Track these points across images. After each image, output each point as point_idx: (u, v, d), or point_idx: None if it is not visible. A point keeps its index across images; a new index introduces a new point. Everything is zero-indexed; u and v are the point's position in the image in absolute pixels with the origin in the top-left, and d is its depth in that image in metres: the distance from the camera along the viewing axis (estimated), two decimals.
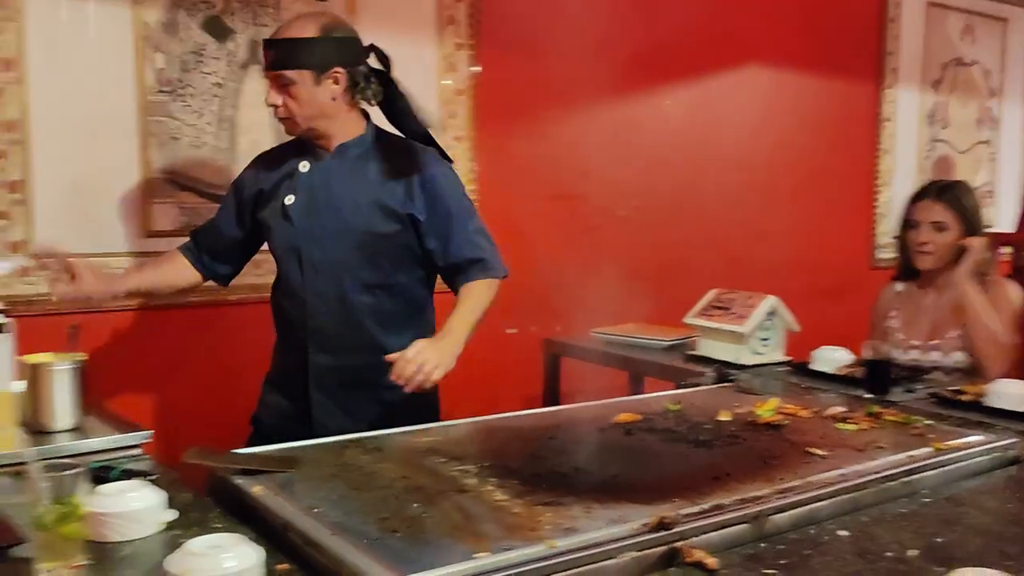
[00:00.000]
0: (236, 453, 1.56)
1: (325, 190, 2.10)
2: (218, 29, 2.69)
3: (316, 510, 1.30)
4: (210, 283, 2.64)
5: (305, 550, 1.21)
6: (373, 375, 2.00)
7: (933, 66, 4.47)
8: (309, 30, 2.01)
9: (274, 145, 2.42)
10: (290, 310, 2.14)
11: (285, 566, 1.18)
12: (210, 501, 1.44)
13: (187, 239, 2.31)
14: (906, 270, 2.81)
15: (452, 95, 3.15)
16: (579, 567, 1.17)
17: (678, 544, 1.24)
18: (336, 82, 2.04)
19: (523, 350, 3.27)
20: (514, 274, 3.30)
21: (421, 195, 2.08)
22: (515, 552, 1.15)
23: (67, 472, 1.15)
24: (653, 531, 1.24)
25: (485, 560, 1.13)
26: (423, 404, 2.08)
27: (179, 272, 2.26)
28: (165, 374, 2.63)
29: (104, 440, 1.68)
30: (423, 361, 1.88)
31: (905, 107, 4.39)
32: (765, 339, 2.55)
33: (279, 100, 2.03)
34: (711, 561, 1.21)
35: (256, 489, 1.39)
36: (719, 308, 2.63)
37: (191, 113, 2.66)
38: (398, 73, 3.00)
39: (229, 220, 2.25)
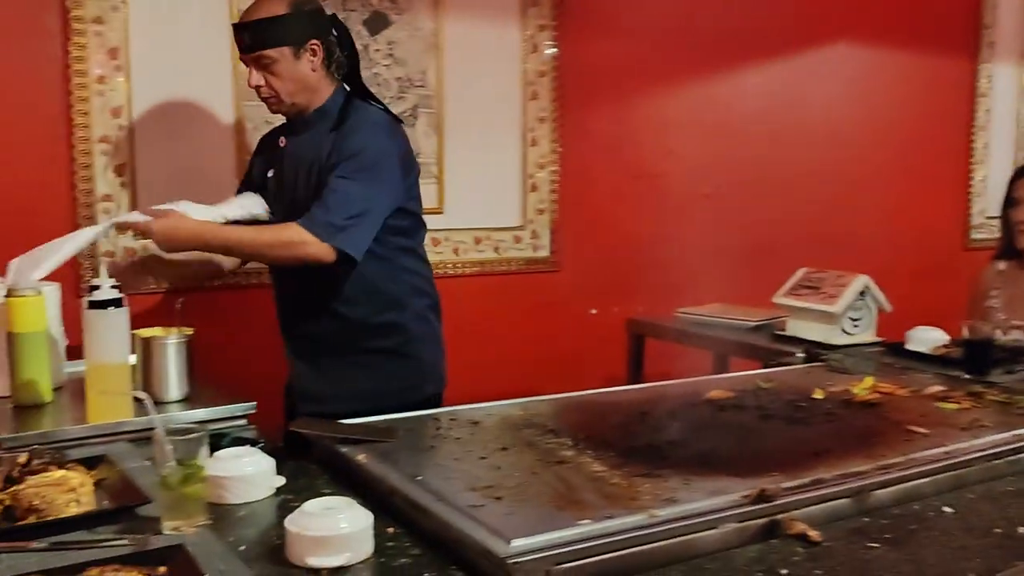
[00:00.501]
0: (341, 423, 1.61)
1: (292, 162, 2.14)
2: None
3: (419, 477, 1.34)
4: None
5: (411, 514, 1.25)
6: (341, 341, 2.06)
7: None
8: (280, 7, 2.02)
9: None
10: (275, 282, 2.22)
11: (393, 529, 1.22)
12: (316, 468, 1.50)
13: None
14: (1008, 249, 2.73)
15: (534, 76, 3.16)
16: (680, 536, 1.18)
17: (780, 516, 1.24)
18: (314, 54, 2.08)
19: (606, 331, 3.28)
20: (596, 254, 3.35)
21: (330, 156, 2.05)
22: (617, 520, 1.17)
23: (191, 436, 1.21)
24: (754, 503, 1.24)
25: (589, 527, 1.15)
26: (413, 365, 2.13)
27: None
28: (265, 348, 2.71)
29: (212, 410, 1.75)
30: (151, 227, 1.93)
31: (1002, 82, 4.22)
32: (856, 319, 2.51)
33: (261, 80, 2.06)
34: (814, 534, 1.21)
35: (361, 457, 1.43)
36: (808, 287, 2.59)
37: None
38: (480, 56, 3.05)
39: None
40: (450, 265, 3.02)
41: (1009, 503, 1.36)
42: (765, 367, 2.40)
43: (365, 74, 2.84)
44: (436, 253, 3.00)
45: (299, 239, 1.92)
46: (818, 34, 3.74)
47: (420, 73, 2.94)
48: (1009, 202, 2.69)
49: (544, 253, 3.23)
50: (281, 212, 2.12)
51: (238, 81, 2.65)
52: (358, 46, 2.81)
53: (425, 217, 2.87)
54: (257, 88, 2.08)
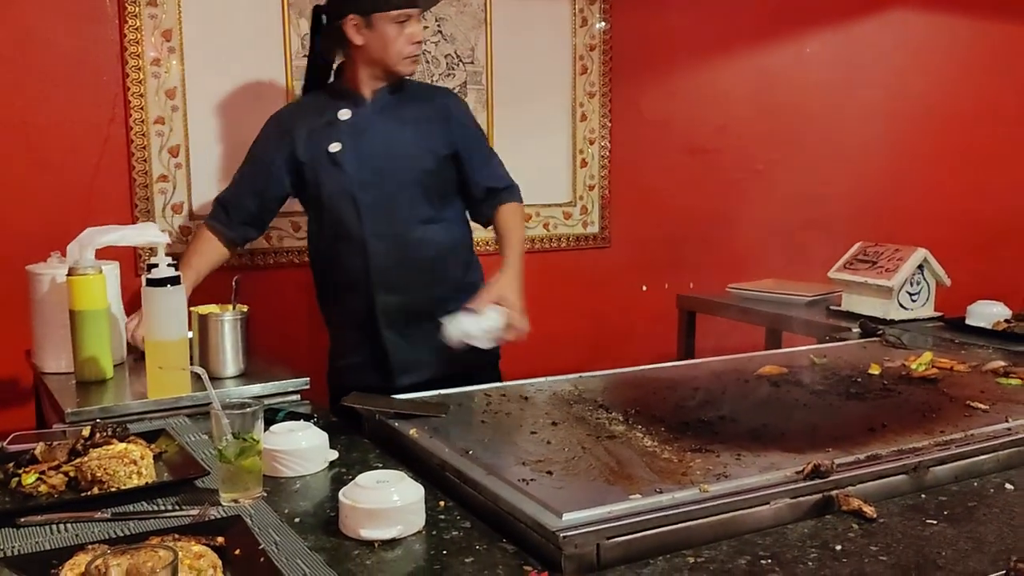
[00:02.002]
0: (392, 398, 1.63)
1: (371, 134, 2.14)
2: None
3: (470, 452, 1.35)
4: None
5: (463, 488, 1.26)
6: (435, 308, 2.03)
7: None
8: None
9: None
10: (348, 255, 2.14)
11: (444, 503, 1.23)
12: (368, 443, 1.52)
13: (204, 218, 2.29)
14: None
15: (584, 50, 3.13)
16: (732, 511, 1.17)
17: (834, 492, 1.22)
18: None
19: (657, 307, 3.26)
20: (647, 230, 3.32)
21: (455, 131, 2.19)
22: (668, 495, 1.17)
23: (247, 410, 1.24)
24: (807, 478, 1.23)
25: (641, 501, 1.15)
26: None
27: (218, 252, 2.20)
28: (318, 325, 2.75)
29: (267, 386, 1.78)
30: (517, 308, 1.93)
31: None
32: (914, 293, 2.46)
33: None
34: (869, 510, 1.19)
35: (413, 432, 1.45)
36: (865, 262, 2.54)
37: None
38: (529, 31, 3.02)
39: (272, 180, 2.18)
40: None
41: None
42: (820, 343, 2.36)
43: None
44: (487, 231, 3.00)
45: (522, 208, 2.28)
46: (875, 2, 3.64)
47: (469, 49, 2.94)
48: None
49: (594, 229, 3.22)
50: (375, 180, 2.12)
51: (290, 61, 2.68)
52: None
53: None
54: (419, 44, 2.13)
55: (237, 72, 2.62)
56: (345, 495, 1.15)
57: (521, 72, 3.04)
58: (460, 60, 2.93)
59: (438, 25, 2.87)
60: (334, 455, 1.41)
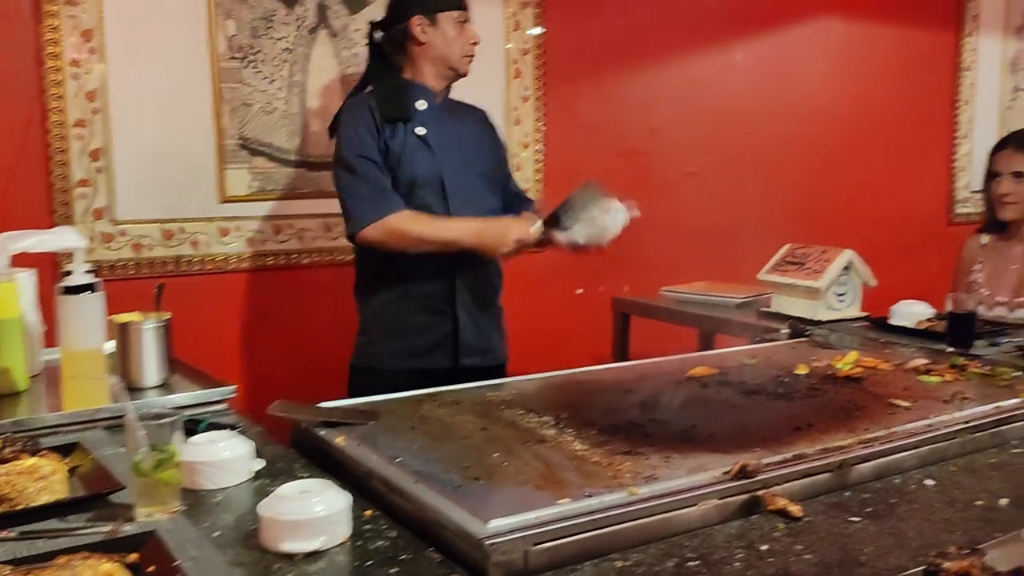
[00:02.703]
0: (319, 406, 1.59)
1: (449, 127, 2.32)
2: None
3: (398, 459, 1.33)
4: (285, 246, 2.72)
5: (389, 497, 1.24)
6: (493, 295, 2.37)
7: (1016, 12, 4.28)
8: None
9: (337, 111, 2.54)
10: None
11: (371, 512, 1.21)
12: (295, 452, 1.48)
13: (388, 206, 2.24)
14: (992, 222, 2.73)
15: (517, 54, 3.13)
16: (661, 514, 1.16)
17: (760, 492, 1.23)
18: None
19: (592, 310, 3.27)
20: None
21: (498, 140, 2.50)
22: (597, 499, 1.16)
23: (164, 421, 1.19)
24: (734, 479, 1.23)
25: (569, 506, 1.14)
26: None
27: None
28: (245, 333, 2.70)
29: (190, 395, 1.73)
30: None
31: (986, 55, 4.22)
32: (841, 294, 2.50)
33: None
34: (795, 508, 1.20)
35: (339, 440, 1.42)
36: (793, 263, 2.58)
37: (262, 79, 2.70)
38: None
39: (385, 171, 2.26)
40: None
41: (991, 475, 1.36)
42: (751, 344, 2.39)
43: (345, 54, 2.83)
44: None
45: None
46: (802, 9, 3.72)
47: None
48: (989, 175, 2.69)
49: None
50: (458, 167, 2.29)
51: (217, 62, 2.62)
52: (338, 26, 2.81)
53: None
54: (476, 45, 2.32)
55: (162, 74, 2.55)
56: (265, 507, 1.11)
57: None
58: None
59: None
60: (260, 465, 1.37)
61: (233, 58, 2.65)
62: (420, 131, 2.26)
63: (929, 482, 1.33)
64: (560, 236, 2.16)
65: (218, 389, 1.75)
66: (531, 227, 2.18)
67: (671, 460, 1.32)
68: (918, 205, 4.10)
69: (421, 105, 2.29)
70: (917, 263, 3.94)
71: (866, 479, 1.34)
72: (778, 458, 1.31)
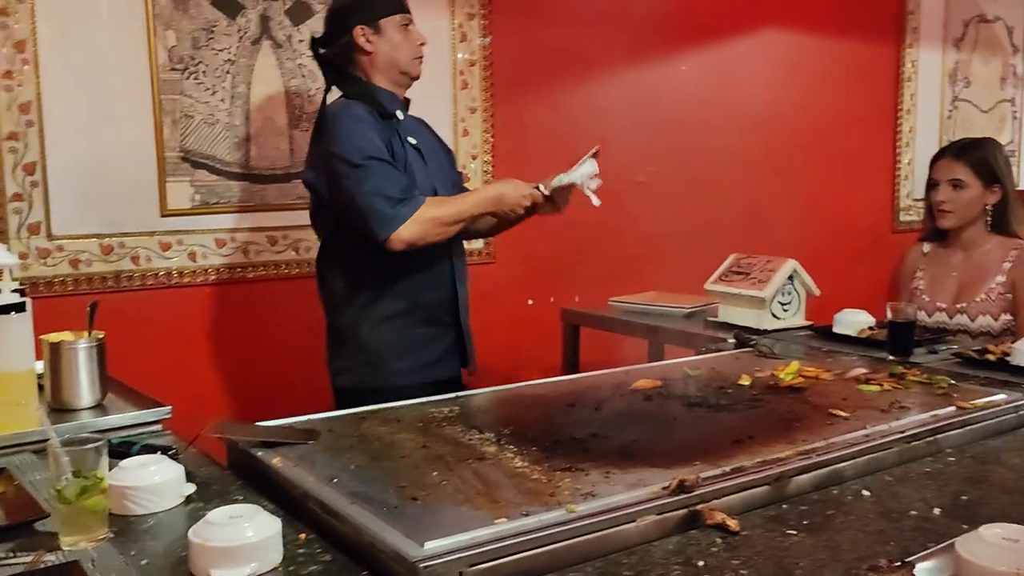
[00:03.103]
0: (257, 426, 1.56)
1: (423, 136, 2.33)
2: (228, 5, 2.68)
3: (335, 480, 1.30)
4: (229, 260, 2.67)
5: (325, 519, 1.21)
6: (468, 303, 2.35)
7: (955, 23, 4.39)
8: None
9: (285, 123, 2.52)
10: (433, 247, 2.19)
11: (305, 536, 1.18)
12: (231, 474, 1.45)
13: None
14: (933, 231, 2.78)
15: (465, 66, 3.13)
16: (599, 531, 1.15)
17: (699, 507, 1.23)
18: None
19: (543, 321, 3.27)
20: (531, 244, 3.33)
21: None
22: (534, 518, 1.15)
23: (88, 446, 1.16)
24: (673, 494, 1.23)
25: (506, 525, 1.12)
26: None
27: None
28: (186, 351, 2.64)
29: (125, 416, 1.69)
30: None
31: (926, 66, 4.31)
32: (786, 303, 2.53)
33: None
34: (733, 523, 1.20)
35: (276, 460, 1.39)
36: (739, 273, 2.61)
37: (204, 91, 2.66)
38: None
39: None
40: None
41: (926, 484, 1.37)
42: (698, 354, 2.40)
43: (289, 65, 2.80)
44: None
45: None
46: (748, 20, 3.77)
47: None
48: (930, 184, 2.74)
49: (479, 245, 3.21)
50: (443, 176, 2.33)
51: (156, 74, 2.57)
52: (281, 36, 2.78)
53: None
54: (424, 45, 2.30)
55: (99, 85, 2.50)
56: (195, 533, 1.08)
57: None
58: None
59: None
60: (191, 489, 1.34)
61: (173, 69, 2.60)
62: (412, 140, 2.25)
63: (865, 493, 1.34)
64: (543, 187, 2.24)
65: (153, 410, 1.71)
66: (541, 189, 2.23)
67: (611, 476, 1.31)
68: (862, 214, 4.17)
69: (400, 115, 2.27)
70: (862, 271, 4.01)
71: (804, 491, 1.34)
72: (717, 472, 1.31)
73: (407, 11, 2.27)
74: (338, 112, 2.17)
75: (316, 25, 2.80)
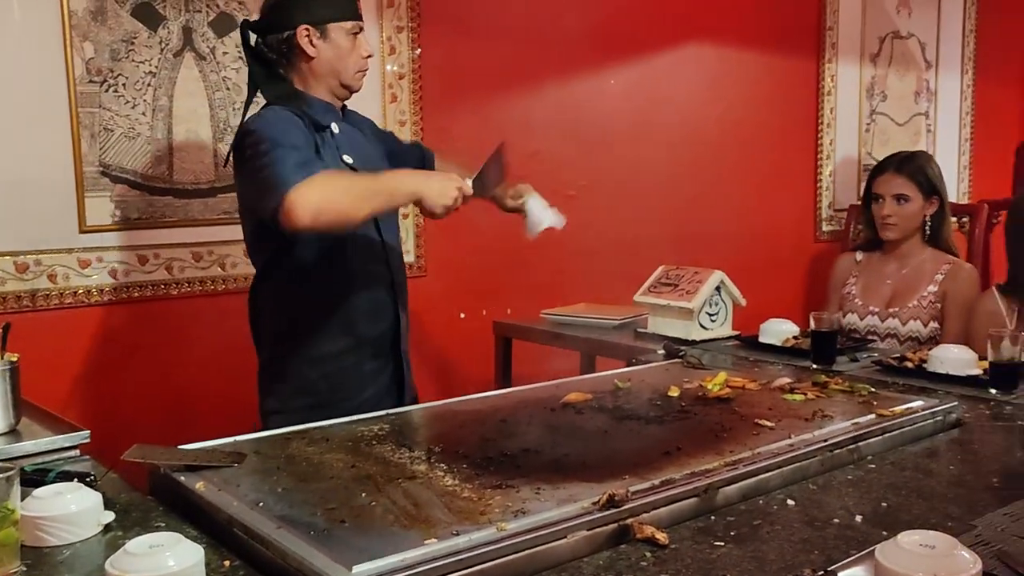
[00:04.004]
0: (179, 449, 1.52)
1: (362, 148, 2.16)
2: (149, 16, 2.61)
3: (261, 503, 1.27)
4: (152, 277, 2.60)
5: (250, 545, 1.18)
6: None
7: (871, 39, 4.53)
8: None
9: (209, 137, 2.45)
10: (375, 270, 2.10)
11: (230, 562, 1.16)
12: (153, 500, 1.41)
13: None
14: (871, 241, 2.87)
15: (393, 78, 3.11)
16: (529, 549, 1.15)
17: (629, 521, 1.24)
18: None
19: (475, 334, 3.26)
20: (463, 257, 3.32)
21: (393, 154, 2.31)
22: (464, 537, 1.14)
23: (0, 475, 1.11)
24: (603, 509, 1.23)
25: (436, 546, 1.11)
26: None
27: None
28: (107, 372, 2.56)
29: (40, 442, 1.62)
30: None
31: (845, 81, 4.44)
32: (713, 314, 2.57)
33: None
34: (662, 536, 1.21)
35: (199, 485, 1.35)
36: (667, 284, 2.64)
37: (124, 103, 2.59)
38: None
39: None
40: None
41: (848, 492, 1.41)
42: (628, 365, 2.42)
43: (214, 78, 2.75)
44: None
45: None
46: (674, 35, 3.83)
47: None
48: (871, 198, 2.82)
49: (410, 259, 3.18)
50: None
51: (74, 85, 2.50)
52: (205, 48, 2.72)
53: None
54: (369, 59, 2.14)
55: (13, 98, 2.41)
56: (113, 564, 1.05)
57: None
58: None
59: (239, 51, 2.76)
60: (110, 517, 1.30)
61: (92, 81, 2.53)
62: (348, 159, 2.07)
63: (790, 502, 1.37)
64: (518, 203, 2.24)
65: (71, 435, 1.65)
66: (468, 181, 1.98)
67: (542, 492, 1.31)
68: (786, 225, 4.27)
69: (335, 128, 2.09)
70: (787, 280, 4.11)
71: (732, 501, 1.36)
72: (646, 485, 1.32)
73: (360, 19, 2.10)
74: (260, 115, 1.99)
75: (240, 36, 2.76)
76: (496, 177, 2.16)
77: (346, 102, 2.20)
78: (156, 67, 2.64)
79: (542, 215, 2.21)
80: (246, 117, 2.04)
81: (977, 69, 5.07)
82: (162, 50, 2.64)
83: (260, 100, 2.13)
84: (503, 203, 2.26)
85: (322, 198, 1.78)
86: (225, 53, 2.74)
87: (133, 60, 2.59)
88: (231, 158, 2.03)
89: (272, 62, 2.09)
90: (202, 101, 2.72)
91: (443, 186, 1.91)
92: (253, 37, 2.12)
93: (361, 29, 2.10)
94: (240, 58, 2.77)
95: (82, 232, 2.54)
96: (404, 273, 2.24)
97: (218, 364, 2.72)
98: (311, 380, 2.06)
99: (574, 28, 3.54)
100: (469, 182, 1.98)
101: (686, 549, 1.20)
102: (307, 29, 2.03)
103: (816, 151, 4.36)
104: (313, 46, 2.04)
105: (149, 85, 2.63)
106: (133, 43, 2.59)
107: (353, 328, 2.09)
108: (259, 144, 1.88)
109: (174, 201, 2.68)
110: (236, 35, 2.74)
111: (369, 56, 2.13)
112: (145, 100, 2.62)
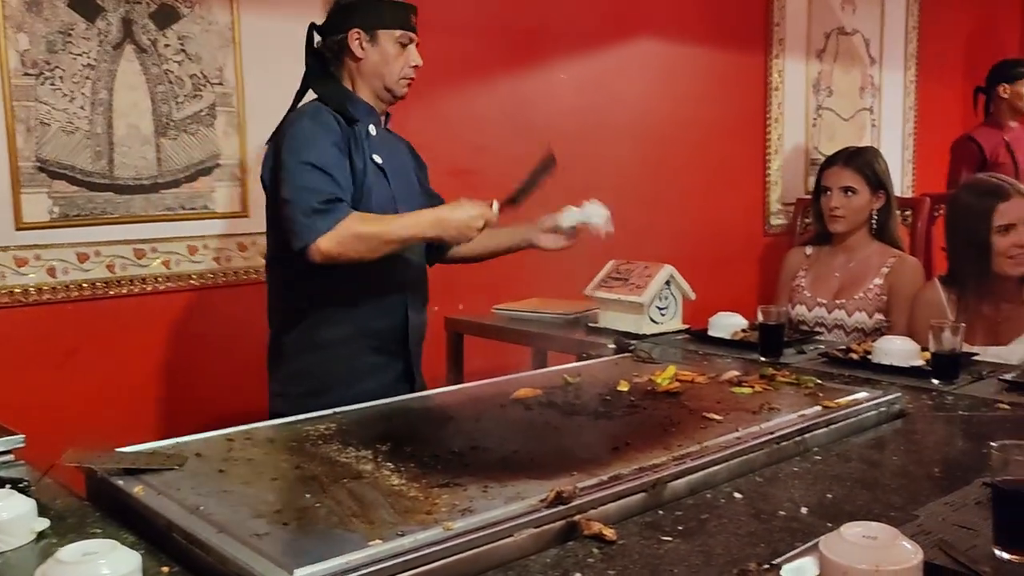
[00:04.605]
0: (118, 452, 1.48)
1: (395, 154, 2.27)
2: (87, 7, 2.54)
3: (201, 507, 1.24)
4: (92, 275, 2.54)
5: (190, 550, 1.16)
6: (424, 331, 2.33)
7: (817, 35, 4.59)
8: None
9: (151, 131, 2.41)
10: (387, 268, 2.12)
11: (168, 569, 1.12)
12: (90, 506, 1.37)
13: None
14: (821, 235, 2.91)
15: None
16: (476, 548, 1.14)
17: (576, 518, 1.23)
18: None
19: (427, 330, 3.23)
20: None
21: (423, 170, 2.47)
22: (409, 537, 1.12)
23: None
24: (550, 506, 1.23)
25: (379, 548, 1.09)
26: None
27: None
28: (44, 374, 2.49)
29: None
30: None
31: (792, 76, 4.49)
32: (663, 308, 2.58)
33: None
34: (609, 532, 1.21)
35: (138, 489, 1.32)
36: (618, 279, 2.65)
37: (61, 97, 2.52)
38: (282, 51, 2.90)
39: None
40: (253, 272, 2.87)
41: (794, 484, 1.42)
42: (579, 360, 2.42)
43: (155, 71, 2.69)
44: (243, 258, 2.86)
45: None
46: (622, 30, 3.84)
47: (216, 70, 2.79)
48: (820, 191, 2.86)
49: None
50: (407, 196, 2.27)
51: (8, 79, 2.42)
52: (146, 41, 2.66)
53: (230, 221, 2.76)
54: (416, 68, 2.23)
55: None
56: (44, 573, 1.01)
57: (275, 95, 2.90)
58: (207, 81, 2.78)
59: (181, 44, 2.71)
60: (43, 524, 1.25)
61: (27, 74, 2.46)
62: (377, 159, 2.17)
63: (737, 495, 1.37)
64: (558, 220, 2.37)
65: (5, 439, 1.59)
66: (493, 208, 2.13)
67: (489, 490, 1.30)
68: (735, 219, 4.31)
69: (372, 129, 2.19)
70: (736, 273, 4.15)
71: (680, 496, 1.36)
72: (594, 481, 1.32)
73: (412, 29, 2.20)
74: (303, 114, 2.11)
75: (183, 29, 2.70)
76: (536, 186, 2.28)
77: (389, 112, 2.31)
78: (95, 60, 2.57)
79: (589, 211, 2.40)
80: (296, 108, 2.19)
81: (919, 65, 5.17)
82: (101, 42, 2.57)
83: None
84: (537, 243, 2.47)
85: (339, 251, 1.97)
86: (167, 46, 2.68)
87: (71, 52, 2.52)
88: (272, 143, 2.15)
89: (327, 61, 2.22)
90: (143, 95, 2.65)
91: (466, 221, 2.09)
92: (317, 38, 2.24)
93: (412, 40, 2.21)
94: (183, 51, 2.71)
95: (18, 229, 2.46)
96: (421, 272, 2.33)
97: (160, 364, 2.67)
98: (307, 365, 2.14)
99: (525, 22, 3.52)
100: (496, 207, 2.14)
101: (633, 545, 1.20)
102: (358, 33, 2.15)
103: (764, 146, 4.41)
104: (362, 49, 2.17)
105: (88, 78, 2.56)
106: (70, 35, 2.52)
107: (355, 318, 2.15)
108: (289, 158, 2.02)
109: (115, 197, 2.62)
110: (178, 27, 2.69)
111: (417, 66, 2.22)
112: (83, 93, 2.55)
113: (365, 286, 2.13)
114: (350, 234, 1.98)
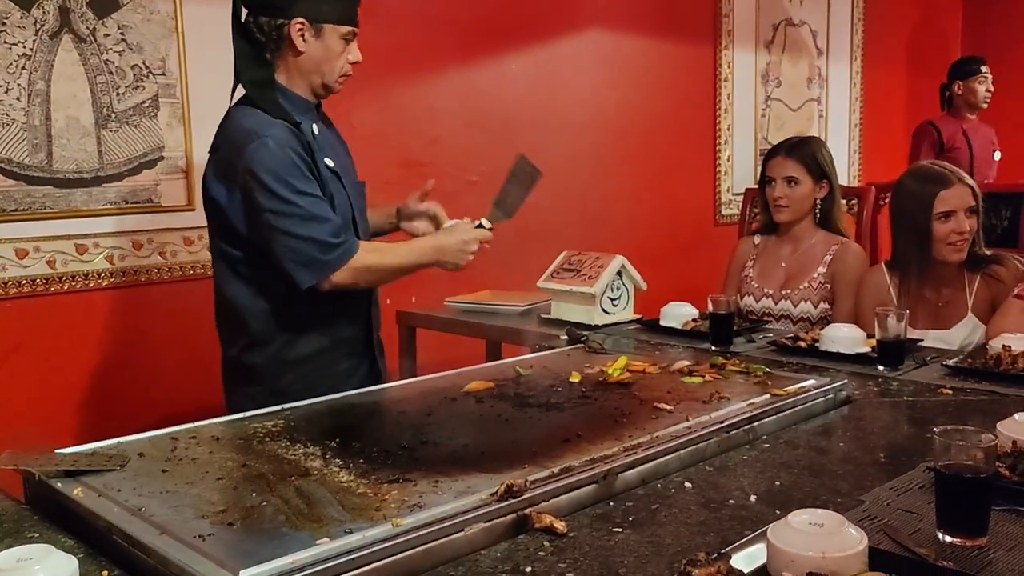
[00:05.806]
0: (57, 453, 1.44)
1: (337, 150, 2.17)
2: None
3: (143, 509, 1.21)
4: (32, 272, 2.48)
5: (131, 553, 1.13)
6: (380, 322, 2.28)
7: (765, 26, 4.64)
8: None
9: (92, 123, 2.34)
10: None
11: (108, 573, 1.09)
12: (28, 509, 1.33)
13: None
14: (768, 224, 2.93)
15: None
16: (426, 544, 1.13)
17: (527, 511, 1.22)
18: None
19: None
20: None
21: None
22: (357, 535, 1.11)
23: None
24: (501, 500, 1.22)
25: (326, 546, 1.08)
26: None
27: None
28: None
29: None
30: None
31: (741, 67, 4.54)
32: (615, 298, 2.59)
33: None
34: (560, 525, 1.20)
35: (77, 491, 1.28)
36: (569, 270, 2.65)
37: None
38: (227, 41, 2.84)
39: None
40: (200, 267, 2.82)
41: (743, 473, 1.43)
42: (531, 351, 2.41)
43: (95, 61, 2.62)
44: (189, 252, 2.81)
45: None
46: (572, 21, 3.84)
47: (159, 60, 2.73)
48: (765, 181, 2.88)
49: None
50: (358, 196, 2.20)
51: None
52: (84, 30, 2.59)
53: (175, 215, 2.70)
54: (355, 65, 2.12)
55: None
56: None
57: (221, 86, 2.84)
58: (150, 72, 2.71)
59: (121, 33, 2.64)
60: None
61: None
62: (329, 162, 2.07)
63: (688, 485, 1.38)
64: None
65: None
66: (486, 226, 2.19)
67: (440, 485, 1.28)
68: (686, 209, 4.34)
69: (316, 129, 2.08)
70: (687, 263, 4.17)
71: (631, 486, 1.37)
72: (545, 474, 1.31)
73: (356, 25, 2.07)
74: (257, 130, 1.94)
75: (123, 18, 2.63)
76: (521, 192, 2.26)
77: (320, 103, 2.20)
78: (31, 49, 2.49)
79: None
80: (233, 101, 2.09)
81: (865, 56, 5.25)
82: (37, 31, 2.50)
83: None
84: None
85: (351, 284, 2.00)
86: (107, 35, 2.61)
87: (5, 42, 2.45)
88: (211, 167, 2.03)
89: (259, 44, 2.04)
90: (83, 85, 2.58)
91: (462, 247, 2.14)
92: (244, 12, 2.05)
93: (355, 36, 2.09)
94: (123, 40, 2.65)
95: None
96: None
97: (103, 362, 2.61)
98: (286, 382, 2.04)
99: (476, 13, 3.50)
100: (487, 225, 2.16)
101: (584, 537, 1.20)
102: (301, 23, 1.99)
103: (715, 136, 4.45)
104: (304, 41, 2.01)
105: (23, 68, 2.48)
106: (4, 23, 2.44)
107: (329, 330, 2.10)
108: (273, 187, 1.91)
109: (55, 191, 2.55)
110: (118, 16, 2.62)
111: (357, 62, 2.11)
112: (19, 84, 2.48)
113: (339, 296, 2.06)
114: (362, 266, 1.99)
